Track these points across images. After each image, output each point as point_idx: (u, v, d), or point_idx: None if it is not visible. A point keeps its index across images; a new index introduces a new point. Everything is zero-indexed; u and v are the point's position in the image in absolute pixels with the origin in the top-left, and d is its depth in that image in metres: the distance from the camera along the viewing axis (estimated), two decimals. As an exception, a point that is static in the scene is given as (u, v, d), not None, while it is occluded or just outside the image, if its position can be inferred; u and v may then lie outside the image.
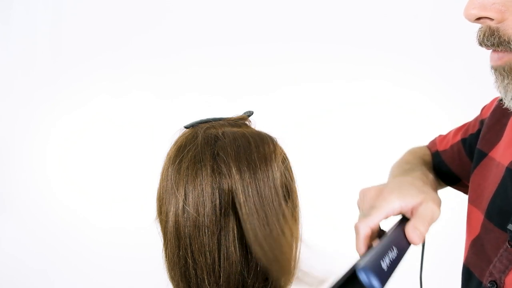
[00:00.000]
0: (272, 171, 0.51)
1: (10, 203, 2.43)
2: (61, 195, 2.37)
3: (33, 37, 2.40)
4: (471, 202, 0.63)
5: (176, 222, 0.50)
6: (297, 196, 0.55)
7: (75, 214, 2.34)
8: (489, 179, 0.59)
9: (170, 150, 0.55)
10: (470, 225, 0.61)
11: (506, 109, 0.52)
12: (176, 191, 0.50)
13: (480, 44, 0.46)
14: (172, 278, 0.53)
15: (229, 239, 0.49)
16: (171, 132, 0.57)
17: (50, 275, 2.31)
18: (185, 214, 0.49)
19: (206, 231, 0.48)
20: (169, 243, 0.51)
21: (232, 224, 0.49)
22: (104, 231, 2.28)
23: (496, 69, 0.46)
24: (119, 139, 2.31)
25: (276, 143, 0.55)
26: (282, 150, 0.55)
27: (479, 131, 0.67)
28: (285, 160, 0.55)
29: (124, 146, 2.30)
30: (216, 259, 0.49)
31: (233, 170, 0.49)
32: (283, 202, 0.51)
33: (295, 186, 0.55)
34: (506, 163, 0.57)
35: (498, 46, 0.44)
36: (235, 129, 0.54)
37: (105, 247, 2.27)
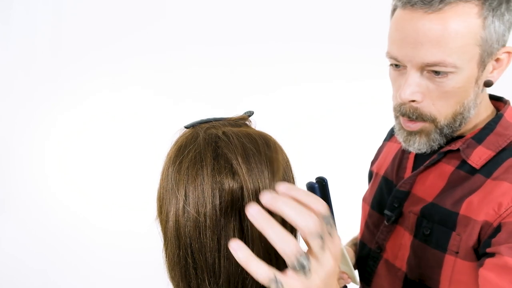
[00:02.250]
0: (276, 172, 0.51)
1: (10, 203, 2.42)
2: (61, 195, 2.37)
3: (33, 36, 2.40)
4: (364, 200, 0.93)
5: (177, 222, 0.50)
6: None
7: (75, 213, 2.34)
8: (373, 184, 0.91)
9: (170, 150, 0.54)
10: (362, 214, 0.92)
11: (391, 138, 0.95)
12: (176, 191, 0.50)
13: (402, 115, 0.71)
14: (173, 278, 0.53)
15: (229, 239, 0.49)
16: (171, 131, 0.57)
17: (50, 275, 2.31)
18: (186, 214, 0.49)
19: (206, 231, 0.48)
20: (169, 243, 0.51)
21: (232, 224, 0.49)
22: (104, 231, 2.29)
23: (411, 132, 0.72)
24: (119, 139, 2.31)
25: (278, 144, 0.55)
26: (284, 151, 0.55)
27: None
28: (287, 161, 0.55)
29: (124, 146, 2.30)
30: (216, 259, 0.49)
31: (234, 170, 0.49)
32: None
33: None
34: (381, 173, 0.89)
35: (417, 118, 0.69)
36: (236, 129, 0.54)
37: (105, 247, 2.27)
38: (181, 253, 0.50)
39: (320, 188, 0.66)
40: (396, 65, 0.70)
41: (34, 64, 2.40)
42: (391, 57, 0.69)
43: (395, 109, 0.73)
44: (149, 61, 2.30)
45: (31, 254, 2.34)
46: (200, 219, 0.48)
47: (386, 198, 0.83)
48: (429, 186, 0.75)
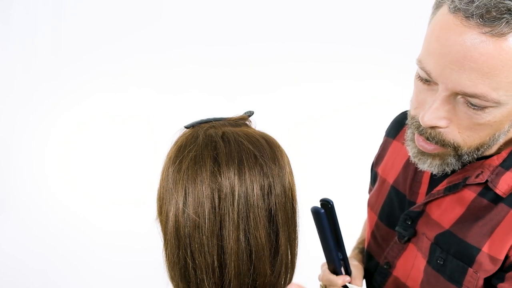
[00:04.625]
0: (282, 171, 0.51)
1: (10, 203, 2.42)
2: (61, 195, 2.37)
3: (33, 36, 2.40)
4: (370, 207, 0.85)
5: (176, 222, 0.50)
6: (296, 198, 0.55)
7: (75, 213, 2.34)
8: (380, 191, 0.83)
9: (170, 150, 0.54)
10: (369, 221, 0.85)
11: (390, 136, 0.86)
12: (176, 191, 0.50)
13: (420, 134, 0.60)
14: (172, 278, 0.53)
15: (228, 239, 0.49)
16: (171, 130, 0.57)
17: (50, 275, 2.30)
18: (185, 215, 0.49)
19: (206, 231, 0.48)
20: (169, 243, 0.51)
21: (231, 224, 0.49)
22: (104, 231, 2.28)
23: (424, 153, 0.62)
24: (119, 138, 2.31)
25: (280, 145, 0.55)
26: (284, 151, 0.55)
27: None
28: (289, 162, 0.55)
29: (124, 146, 2.30)
30: (216, 259, 0.49)
31: (234, 171, 0.49)
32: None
33: (295, 189, 0.55)
34: (391, 181, 0.80)
35: (437, 143, 0.59)
36: (236, 129, 0.53)
37: (105, 247, 2.27)
38: (180, 253, 0.50)
39: (327, 213, 0.67)
40: (427, 80, 0.57)
41: (34, 64, 2.40)
42: (422, 68, 0.56)
43: (412, 119, 0.62)
44: (149, 61, 2.30)
45: (31, 254, 2.34)
46: (200, 219, 0.48)
47: (398, 213, 0.75)
48: (445, 210, 0.67)
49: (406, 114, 0.73)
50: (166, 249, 0.52)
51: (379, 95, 2.04)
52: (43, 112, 2.40)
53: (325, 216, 0.66)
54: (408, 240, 0.73)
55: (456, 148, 0.59)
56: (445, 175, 0.68)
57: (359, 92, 2.10)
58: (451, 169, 0.62)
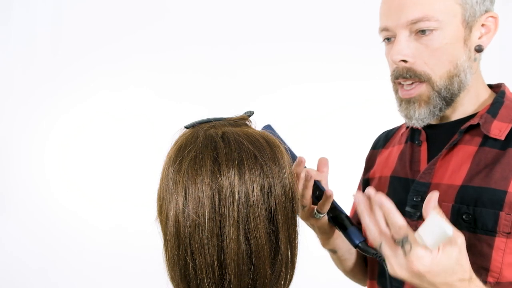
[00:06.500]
0: (279, 173, 0.51)
1: (10, 203, 2.42)
2: (61, 195, 2.37)
3: (33, 36, 2.40)
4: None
5: (176, 222, 0.50)
6: (296, 198, 0.55)
7: (75, 213, 2.34)
8: (379, 188, 0.85)
9: (170, 150, 0.54)
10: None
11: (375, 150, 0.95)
12: (176, 191, 0.50)
13: (397, 77, 0.73)
14: (172, 278, 0.53)
15: (228, 239, 0.49)
16: (171, 131, 0.57)
17: (50, 275, 2.31)
18: (185, 215, 0.49)
19: (206, 231, 0.48)
20: (169, 243, 0.51)
21: (231, 224, 0.49)
22: (104, 231, 2.28)
23: (410, 100, 0.73)
24: (119, 138, 2.31)
25: (280, 145, 0.55)
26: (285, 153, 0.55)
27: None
28: (289, 162, 0.54)
29: (124, 146, 2.30)
30: (216, 259, 0.49)
31: (234, 171, 0.49)
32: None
33: (295, 190, 0.55)
34: (388, 174, 0.85)
35: (411, 77, 0.72)
36: (236, 129, 0.53)
37: (105, 247, 2.27)
38: (180, 253, 0.50)
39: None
40: (388, 39, 0.75)
41: (34, 64, 2.40)
42: (382, 29, 0.74)
43: (391, 78, 0.75)
44: (149, 61, 2.30)
45: (31, 254, 2.34)
46: (200, 219, 0.48)
47: (404, 196, 0.78)
48: (453, 171, 0.72)
49: (391, 129, 0.95)
50: (166, 249, 0.52)
51: (379, 95, 2.04)
52: (43, 112, 2.40)
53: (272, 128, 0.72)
54: (420, 217, 0.73)
55: (429, 80, 0.71)
56: (440, 148, 0.76)
57: (359, 92, 2.10)
58: (438, 109, 0.72)
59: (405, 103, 0.74)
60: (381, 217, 0.61)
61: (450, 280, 0.56)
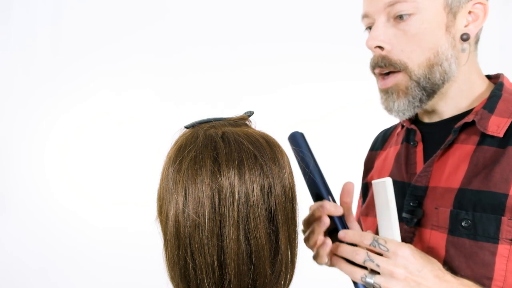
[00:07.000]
0: (279, 173, 0.51)
1: (9, 203, 2.42)
2: (61, 195, 2.37)
3: (33, 36, 2.40)
4: (364, 214, 0.84)
5: (176, 222, 0.50)
6: (296, 198, 0.55)
7: (75, 214, 2.34)
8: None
9: (170, 150, 0.54)
10: (366, 228, 0.83)
11: (374, 152, 0.91)
12: (176, 191, 0.50)
13: (374, 67, 0.71)
14: (172, 278, 0.53)
15: (228, 239, 0.49)
16: (171, 131, 0.57)
17: (50, 275, 2.30)
18: (185, 215, 0.49)
19: (206, 231, 0.48)
20: (169, 243, 0.51)
21: (231, 224, 0.49)
22: (104, 231, 2.28)
23: (387, 91, 0.70)
24: (119, 139, 2.31)
25: (280, 145, 0.55)
26: (285, 153, 0.55)
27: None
28: (288, 162, 0.55)
29: (124, 146, 2.30)
30: (216, 259, 0.49)
31: (234, 171, 0.49)
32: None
33: (295, 189, 0.55)
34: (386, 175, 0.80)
35: (386, 66, 0.68)
36: (236, 129, 0.53)
37: (105, 247, 2.27)
38: (180, 253, 0.50)
39: (303, 136, 0.69)
40: (370, 28, 0.72)
41: (34, 64, 2.40)
42: (363, 16, 0.72)
43: (370, 69, 0.73)
44: (149, 61, 2.30)
45: (31, 254, 2.34)
46: (200, 219, 0.48)
47: (400, 200, 0.72)
48: (450, 173, 0.67)
49: (389, 128, 0.91)
50: (166, 249, 0.52)
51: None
52: (43, 112, 2.40)
53: (303, 137, 0.67)
54: (418, 223, 0.70)
55: (406, 69, 0.67)
56: (436, 148, 0.71)
57: (359, 92, 2.09)
58: (418, 100, 0.68)
59: (384, 94, 0.71)
60: (356, 253, 0.62)
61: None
